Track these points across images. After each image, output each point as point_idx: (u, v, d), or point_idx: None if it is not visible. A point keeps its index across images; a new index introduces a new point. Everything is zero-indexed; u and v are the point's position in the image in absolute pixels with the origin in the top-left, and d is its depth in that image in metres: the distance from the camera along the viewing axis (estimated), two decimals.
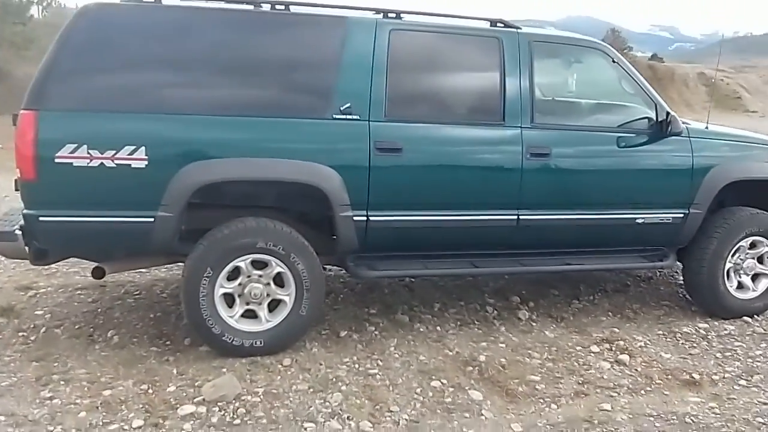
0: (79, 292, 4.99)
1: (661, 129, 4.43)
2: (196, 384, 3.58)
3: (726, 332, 4.56)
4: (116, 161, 3.55)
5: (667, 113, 4.42)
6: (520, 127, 4.18)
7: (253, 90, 3.86)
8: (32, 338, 4.14)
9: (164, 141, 3.66)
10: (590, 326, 4.58)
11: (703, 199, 4.58)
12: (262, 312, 3.92)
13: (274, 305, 3.95)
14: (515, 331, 4.46)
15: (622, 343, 4.29)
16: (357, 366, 3.88)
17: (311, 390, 3.57)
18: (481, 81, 4.27)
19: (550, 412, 3.43)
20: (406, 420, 3.32)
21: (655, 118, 4.46)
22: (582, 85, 4.81)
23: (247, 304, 3.90)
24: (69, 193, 3.59)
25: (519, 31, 4.30)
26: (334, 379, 3.69)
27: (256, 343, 3.88)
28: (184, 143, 3.69)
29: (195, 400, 3.41)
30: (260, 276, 3.88)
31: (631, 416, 3.38)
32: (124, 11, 3.75)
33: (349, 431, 3.21)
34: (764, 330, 4.62)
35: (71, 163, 3.51)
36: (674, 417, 3.38)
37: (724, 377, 3.88)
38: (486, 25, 4.35)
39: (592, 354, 4.13)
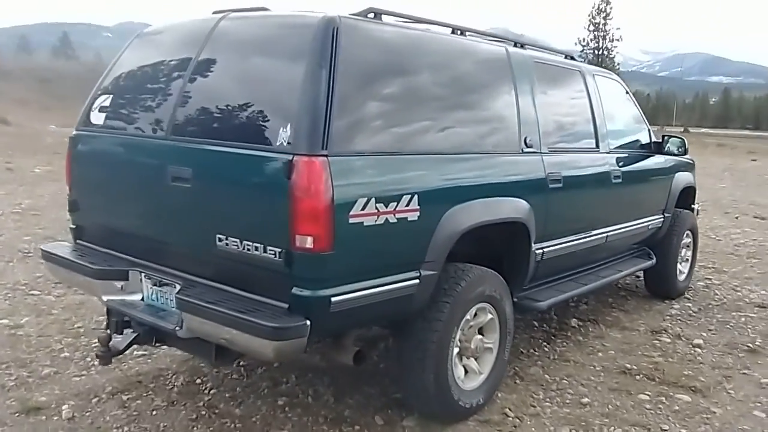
0: (187, 381, 3.64)
1: (659, 149, 5.37)
2: None
3: (693, 312, 5.68)
4: (397, 215, 2.88)
5: (663, 136, 5.38)
6: (606, 152, 4.63)
7: (475, 125, 3.50)
8: None
9: (432, 186, 3.09)
10: (622, 323, 5.25)
11: (671, 203, 5.68)
12: (475, 365, 3.59)
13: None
14: (593, 338, 4.87)
15: (669, 332, 5.06)
16: (558, 398, 3.85)
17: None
18: (582, 111, 4.55)
19: (741, 397, 4.00)
20: None
21: (650, 140, 5.38)
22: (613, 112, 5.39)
23: (460, 359, 3.53)
24: (357, 261, 2.78)
25: (585, 65, 4.72)
26: (571, 417, 3.62)
27: (479, 401, 3.55)
28: (446, 188, 3.18)
29: None
30: (470, 327, 3.55)
31: None
32: (382, 34, 3.04)
33: None
34: (700, 307, 5.80)
35: (362, 223, 2.74)
36: None
37: (760, 344, 4.93)
38: (562, 57, 4.65)
39: (677, 344, 4.81)
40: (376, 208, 2.78)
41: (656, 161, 5.39)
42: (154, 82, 3.33)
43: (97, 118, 3.50)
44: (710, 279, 6.75)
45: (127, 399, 3.63)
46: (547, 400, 3.84)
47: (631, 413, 3.71)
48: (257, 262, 2.73)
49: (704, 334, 5.07)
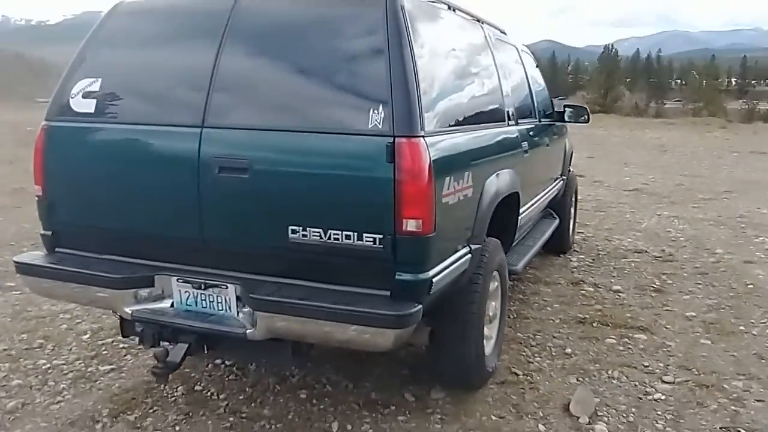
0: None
1: (560, 117, 5.86)
2: (547, 415, 3.35)
3: (590, 262, 6.37)
4: (463, 192, 2.93)
5: (564, 105, 5.88)
6: (539, 122, 4.99)
7: (487, 98, 3.62)
8: None
9: (477, 161, 3.14)
10: (542, 278, 5.71)
11: (566, 166, 6.26)
12: (487, 331, 3.74)
13: None
14: (530, 294, 5.26)
15: (586, 282, 5.63)
16: (545, 353, 4.13)
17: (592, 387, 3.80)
18: (523, 84, 4.80)
19: (680, 330, 4.62)
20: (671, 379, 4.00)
21: (553, 108, 5.86)
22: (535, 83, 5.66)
23: None
24: (445, 241, 2.77)
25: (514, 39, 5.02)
26: (568, 367, 3.93)
27: (495, 364, 3.73)
28: (483, 162, 3.24)
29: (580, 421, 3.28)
30: None
31: None
32: (431, 11, 3.00)
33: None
34: (593, 258, 6.60)
35: (448, 202, 2.75)
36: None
37: (660, 284, 5.67)
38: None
39: (600, 291, 5.37)
40: (453, 186, 2.79)
41: (559, 128, 5.88)
42: (168, 60, 2.96)
43: (83, 105, 3.01)
44: (582, 232, 7.55)
45: (135, 418, 3.25)
46: (537, 355, 4.12)
47: (611, 356, 4.12)
48: (347, 252, 2.60)
49: (613, 281, 5.72)
